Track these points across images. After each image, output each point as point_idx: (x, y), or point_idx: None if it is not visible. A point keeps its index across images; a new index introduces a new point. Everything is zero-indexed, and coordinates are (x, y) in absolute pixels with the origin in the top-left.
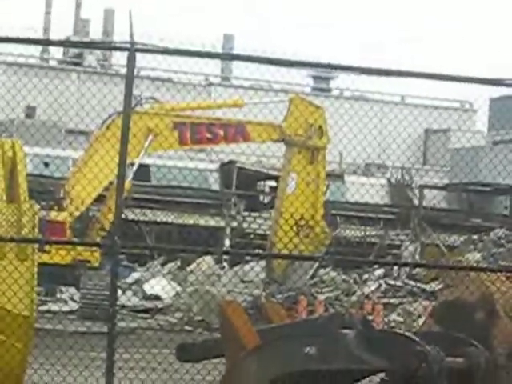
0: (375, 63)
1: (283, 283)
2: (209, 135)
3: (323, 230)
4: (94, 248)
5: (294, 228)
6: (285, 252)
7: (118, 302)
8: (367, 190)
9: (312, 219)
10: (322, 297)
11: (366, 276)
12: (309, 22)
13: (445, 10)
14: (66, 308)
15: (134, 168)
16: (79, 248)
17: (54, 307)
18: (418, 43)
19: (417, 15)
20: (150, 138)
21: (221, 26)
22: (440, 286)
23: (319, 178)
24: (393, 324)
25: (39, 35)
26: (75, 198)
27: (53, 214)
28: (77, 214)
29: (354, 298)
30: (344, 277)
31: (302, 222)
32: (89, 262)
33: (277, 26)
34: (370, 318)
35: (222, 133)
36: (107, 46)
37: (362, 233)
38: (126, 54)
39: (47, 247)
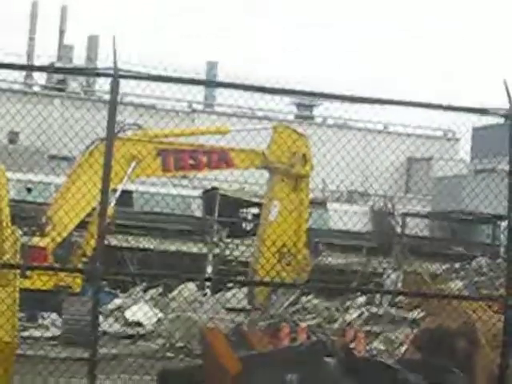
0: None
1: (265, 310)
2: (192, 162)
3: (305, 257)
4: (76, 274)
5: (277, 255)
6: (267, 279)
7: (100, 328)
8: (350, 218)
9: (294, 247)
10: (304, 324)
11: (348, 303)
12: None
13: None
14: (47, 334)
15: (117, 194)
16: (61, 274)
17: (36, 333)
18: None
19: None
20: (133, 164)
21: (205, 53)
22: (422, 314)
23: (302, 206)
24: (375, 352)
25: (23, 61)
26: (58, 224)
27: (34, 240)
28: (59, 239)
29: (336, 325)
30: (326, 304)
31: (285, 250)
32: (70, 287)
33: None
34: (352, 345)
35: (205, 159)
36: (91, 72)
37: (345, 260)
38: (109, 80)
39: (28, 273)
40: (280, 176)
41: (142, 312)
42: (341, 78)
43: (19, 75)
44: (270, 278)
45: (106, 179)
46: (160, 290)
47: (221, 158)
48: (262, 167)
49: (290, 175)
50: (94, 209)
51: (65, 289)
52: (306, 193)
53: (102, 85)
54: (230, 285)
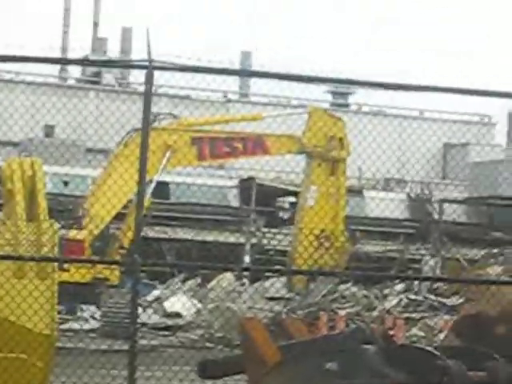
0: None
1: (304, 298)
2: (227, 149)
3: (343, 243)
4: (114, 266)
5: (315, 242)
6: (305, 267)
7: (139, 320)
8: (387, 205)
9: (333, 232)
10: (342, 312)
11: (386, 291)
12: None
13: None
14: (86, 326)
15: (153, 185)
16: (99, 266)
17: (75, 325)
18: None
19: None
20: (168, 154)
21: (240, 42)
22: (461, 300)
23: (340, 191)
24: (414, 339)
25: (57, 54)
26: (94, 217)
27: (72, 233)
28: (96, 232)
29: (375, 313)
30: (365, 292)
31: (323, 235)
32: (108, 280)
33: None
34: (392, 332)
35: (240, 146)
36: (125, 64)
37: (383, 248)
38: (144, 71)
39: (66, 266)
40: (317, 161)
41: (181, 303)
42: (371, 65)
43: (54, 69)
44: (308, 264)
45: (142, 170)
46: (198, 280)
47: (256, 145)
48: (299, 153)
49: (327, 160)
50: (130, 201)
51: (103, 281)
52: (344, 177)
53: (137, 77)
54: (268, 274)
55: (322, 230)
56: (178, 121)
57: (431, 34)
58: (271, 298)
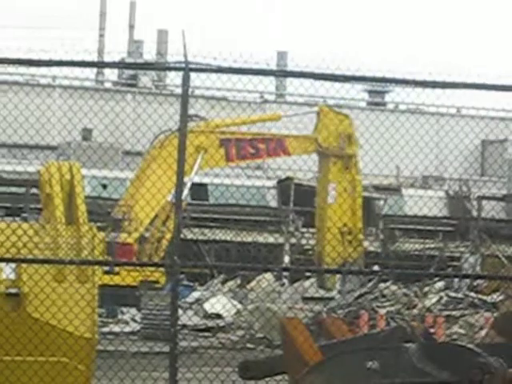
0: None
1: (344, 297)
2: (252, 150)
3: (361, 241)
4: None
5: (339, 236)
6: (333, 265)
7: (179, 322)
8: (425, 203)
9: (354, 225)
10: (383, 311)
11: (426, 289)
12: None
13: None
14: (127, 329)
15: (188, 186)
16: (147, 269)
17: (116, 328)
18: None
19: None
20: (200, 156)
21: (275, 43)
22: (501, 297)
23: (356, 189)
24: (455, 336)
25: (93, 58)
26: (134, 219)
27: (120, 236)
28: (136, 235)
29: (415, 311)
30: (405, 290)
31: (345, 229)
32: (157, 282)
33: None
34: (432, 330)
35: (263, 147)
36: (162, 67)
37: (422, 246)
38: (180, 73)
39: (117, 269)
40: (333, 159)
41: (221, 304)
42: (406, 61)
43: (90, 72)
44: (332, 259)
45: (180, 172)
46: (238, 281)
47: (277, 146)
48: (315, 152)
49: (341, 157)
50: (168, 202)
51: (151, 284)
52: (358, 172)
53: (174, 78)
54: (308, 274)
55: (345, 224)
56: (206, 123)
57: (473, 29)
58: (311, 298)
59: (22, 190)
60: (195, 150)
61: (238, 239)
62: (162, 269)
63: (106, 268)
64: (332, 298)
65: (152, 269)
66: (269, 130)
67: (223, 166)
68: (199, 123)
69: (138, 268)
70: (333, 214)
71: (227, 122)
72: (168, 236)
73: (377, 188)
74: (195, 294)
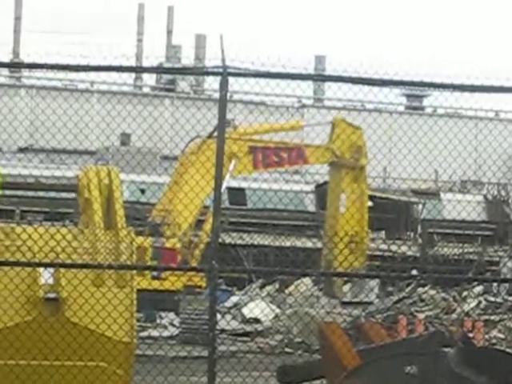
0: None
1: (341, 299)
2: (276, 158)
3: (367, 244)
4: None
5: (349, 244)
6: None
7: (218, 326)
8: (464, 207)
9: (362, 233)
10: (421, 315)
11: (465, 293)
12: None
13: None
14: (166, 333)
15: (222, 191)
16: (189, 274)
17: (154, 333)
18: None
19: None
20: (234, 162)
21: (312, 47)
22: None
23: (364, 198)
24: (494, 341)
25: (132, 63)
26: (176, 224)
27: (165, 242)
28: (184, 239)
29: (453, 315)
30: (443, 295)
31: (355, 238)
32: (200, 287)
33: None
34: (471, 335)
35: (286, 156)
36: (200, 71)
37: (460, 250)
38: (218, 78)
39: (163, 274)
40: (346, 170)
41: (260, 309)
42: (447, 66)
43: (129, 77)
44: (341, 266)
45: (218, 177)
46: (276, 286)
47: (298, 155)
48: (330, 162)
49: (353, 168)
50: (206, 207)
51: (194, 288)
52: (365, 184)
53: (212, 83)
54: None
55: (356, 233)
56: (236, 130)
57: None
58: (349, 303)
59: (61, 195)
60: (228, 156)
61: (276, 244)
62: (201, 273)
63: (154, 273)
64: (371, 303)
65: (191, 274)
66: (290, 139)
67: (250, 173)
68: (228, 129)
69: (179, 273)
70: (345, 223)
71: (249, 130)
72: (205, 240)
73: (415, 192)
74: (234, 299)
